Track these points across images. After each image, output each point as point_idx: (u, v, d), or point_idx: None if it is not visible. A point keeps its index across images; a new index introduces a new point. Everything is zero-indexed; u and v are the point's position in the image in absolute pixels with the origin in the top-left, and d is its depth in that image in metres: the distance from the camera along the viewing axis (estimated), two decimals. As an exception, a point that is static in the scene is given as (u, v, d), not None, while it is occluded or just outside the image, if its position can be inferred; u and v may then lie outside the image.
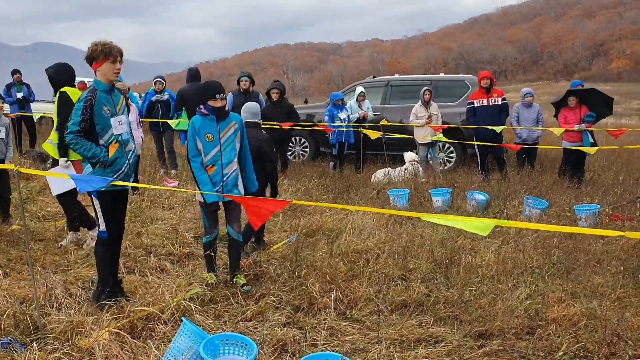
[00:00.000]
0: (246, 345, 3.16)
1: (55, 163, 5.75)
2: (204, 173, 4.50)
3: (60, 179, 5.18)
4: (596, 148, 8.73)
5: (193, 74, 10.38)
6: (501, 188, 8.10)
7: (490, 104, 9.53)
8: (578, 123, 9.13)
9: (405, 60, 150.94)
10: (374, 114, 11.26)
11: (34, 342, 3.44)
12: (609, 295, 4.46)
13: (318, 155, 12.20)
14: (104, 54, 3.96)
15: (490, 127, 9.29)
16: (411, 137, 10.33)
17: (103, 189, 3.95)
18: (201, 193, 4.45)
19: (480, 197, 7.56)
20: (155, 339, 3.61)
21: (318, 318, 4.02)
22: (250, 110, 5.49)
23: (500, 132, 9.48)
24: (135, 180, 8.27)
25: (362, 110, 10.84)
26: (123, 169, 4.12)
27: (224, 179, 4.56)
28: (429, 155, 10.50)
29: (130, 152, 4.21)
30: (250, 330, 3.78)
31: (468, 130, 10.06)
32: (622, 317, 3.98)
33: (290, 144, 12.13)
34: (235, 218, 4.72)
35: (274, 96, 9.94)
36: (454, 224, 2.63)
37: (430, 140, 10.15)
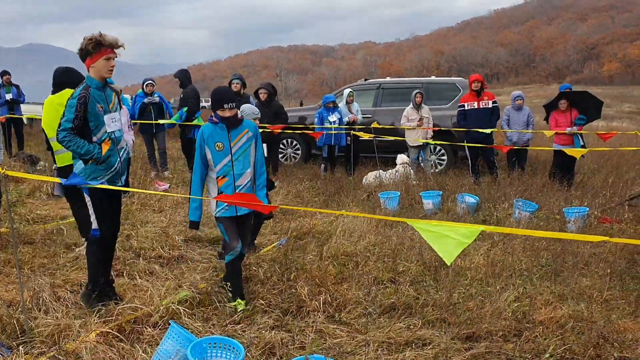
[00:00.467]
0: (233, 348, 3.16)
1: (61, 170, 5.50)
2: (200, 189, 4.27)
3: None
4: (583, 150, 8.79)
5: (188, 76, 10.41)
6: (491, 191, 8.14)
7: (481, 106, 9.58)
8: (569, 126, 9.19)
9: (398, 63, 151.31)
10: (363, 117, 11.27)
11: (21, 346, 3.43)
12: (596, 297, 4.49)
13: (310, 158, 12.21)
14: (99, 49, 3.87)
15: (480, 130, 9.34)
16: (403, 139, 10.36)
17: (97, 184, 3.96)
18: (215, 201, 4.17)
19: (471, 199, 7.58)
20: (143, 342, 3.60)
21: (306, 321, 4.02)
22: (249, 110, 5.60)
23: (491, 134, 9.54)
24: (127, 183, 8.25)
25: (352, 113, 10.85)
26: (115, 166, 4.09)
27: (236, 192, 4.22)
28: (420, 158, 10.53)
29: (123, 150, 4.18)
30: (239, 334, 3.78)
31: (459, 132, 10.10)
32: (608, 320, 4.01)
33: (282, 146, 12.14)
34: (246, 234, 4.46)
35: (262, 96, 9.98)
36: (440, 231, 2.63)
37: (421, 143, 10.19)
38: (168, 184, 8.97)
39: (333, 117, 10.42)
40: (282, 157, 12.13)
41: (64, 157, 5.41)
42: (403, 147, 10.52)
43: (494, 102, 9.61)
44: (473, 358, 3.53)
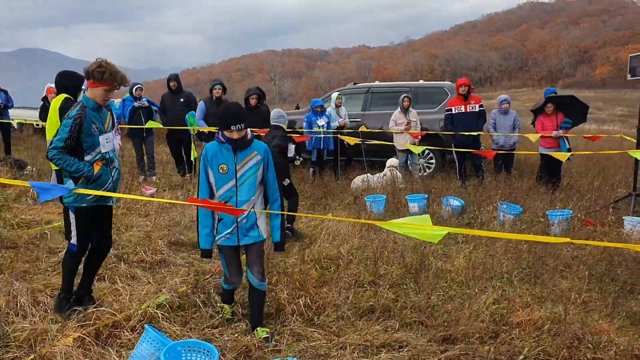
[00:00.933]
0: (208, 351, 3.18)
1: (58, 173, 5.55)
2: (207, 214, 3.86)
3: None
4: (568, 154, 8.86)
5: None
6: (477, 194, 8.18)
7: (468, 110, 9.64)
8: (555, 129, 9.25)
9: (392, 67, 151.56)
10: (351, 121, 11.31)
11: (-4, 351, 3.43)
12: (574, 299, 4.52)
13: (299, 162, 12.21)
14: (103, 80, 3.88)
15: (467, 133, 9.39)
16: (391, 143, 10.40)
17: (84, 205, 3.97)
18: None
19: (456, 203, 7.62)
20: (121, 346, 3.61)
21: (285, 324, 4.03)
22: (276, 114, 6.74)
23: (478, 138, 9.59)
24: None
25: (340, 116, 10.89)
26: (107, 185, 4.08)
27: (239, 220, 3.82)
28: (408, 162, 10.57)
29: (115, 169, 4.18)
30: (216, 337, 3.79)
31: (446, 136, 10.15)
32: (584, 321, 4.04)
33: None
34: (256, 262, 3.94)
35: (252, 102, 9.99)
36: (408, 232, 2.67)
37: (408, 148, 10.22)
38: (155, 189, 8.97)
39: (321, 121, 10.45)
40: (272, 161, 12.13)
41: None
42: (392, 151, 10.54)
43: (480, 106, 9.67)
44: (448, 360, 3.56)
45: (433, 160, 11.26)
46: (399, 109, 10.36)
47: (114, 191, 4.20)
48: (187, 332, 3.87)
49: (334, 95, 11.10)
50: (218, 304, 4.28)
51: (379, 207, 7.76)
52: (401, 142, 10.22)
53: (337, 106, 10.95)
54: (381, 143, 10.45)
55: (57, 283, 4.69)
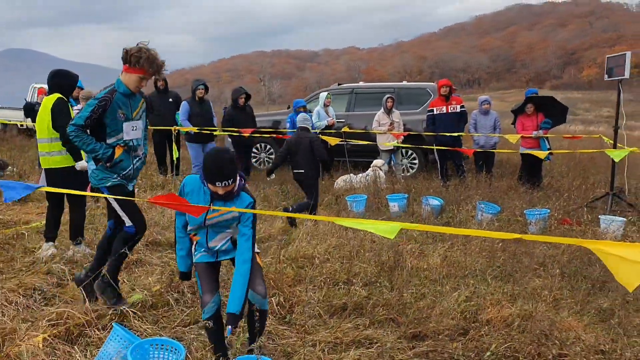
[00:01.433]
0: (175, 349, 3.18)
1: (51, 173, 5.55)
2: (184, 237, 3.50)
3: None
4: (546, 152, 8.97)
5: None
6: (457, 193, 8.24)
7: (449, 111, 9.71)
8: (535, 129, 9.35)
9: (381, 68, 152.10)
10: (336, 121, 11.35)
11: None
12: (545, 297, 4.57)
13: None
14: (139, 65, 3.78)
15: (448, 134, 9.46)
16: (374, 143, 10.45)
17: (110, 184, 3.96)
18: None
19: (435, 202, 7.67)
20: (90, 344, 3.61)
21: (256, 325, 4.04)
22: (303, 117, 7.54)
23: (459, 138, 9.67)
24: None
25: (329, 116, 10.94)
26: (127, 171, 4.07)
27: (210, 246, 3.43)
28: (391, 162, 10.62)
29: (137, 158, 4.15)
30: (186, 336, 3.80)
31: (429, 136, 10.22)
32: (553, 319, 4.09)
33: (256, 151, 12.16)
34: (256, 275, 3.35)
35: (241, 101, 10.03)
36: (364, 227, 2.71)
37: (392, 147, 10.27)
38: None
39: (305, 122, 10.46)
40: (256, 162, 12.16)
41: (47, 160, 5.51)
42: (377, 152, 10.58)
43: (461, 107, 9.74)
44: (416, 357, 3.59)
45: (416, 161, 11.32)
46: (382, 110, 10.41)
47: (134, 178, 4.22)
48: (159, 330, 3.87)
49: (323, 94, 11.13)
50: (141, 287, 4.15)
51: (360, 206, 7.80)
52: (384, 142, 10.26)
53: (326, 105, 10.99)
54: (364, 143, 10.50)
55: (30, 282, 4.68)
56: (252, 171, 10.88)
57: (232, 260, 3.46)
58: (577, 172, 10.72)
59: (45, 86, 5.87)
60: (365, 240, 5.94)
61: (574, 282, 5.03)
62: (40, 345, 3.48)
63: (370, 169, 9.97)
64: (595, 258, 5.54)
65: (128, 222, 4.08)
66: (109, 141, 3.93)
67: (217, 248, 3.42)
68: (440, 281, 4.88)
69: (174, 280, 4.74)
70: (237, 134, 9.71)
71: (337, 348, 3.67)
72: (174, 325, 3.96)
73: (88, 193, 4.95)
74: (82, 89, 9.59)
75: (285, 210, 7.25)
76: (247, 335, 3.50)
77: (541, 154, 8.91)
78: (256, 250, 3.41)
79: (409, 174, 11.03)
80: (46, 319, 3.89)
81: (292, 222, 6.87)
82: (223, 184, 3.14)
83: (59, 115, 5.38)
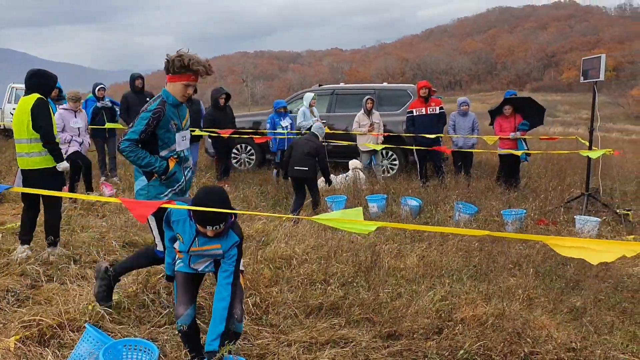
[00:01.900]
0: (148, 349, 3.17)
1: (30, 174, 5.48)
2: (172, 248, 3.44)
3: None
4: (523, 151, 9.08)
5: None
6: (435, 194, 8.30)
7: (429, 112, 9.79)
8: (512, 131, 9.46)
9: (364, 70, 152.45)
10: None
11: None
12: (519, 296, 4.63)
13: (264, 163, 12.24)
14: (182, 72, 3.64)
15: (427, 135, 9.54)
16: (353, 143, 10.49)
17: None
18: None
19: (414, 202, 7.72)
20: (63, 346, 3.58)
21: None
22: (318, 125, 7.97)
23: (438, 139, 9.75)
24: (73, 189, 8.17)
25: (314, 116, 10.96)
26: (179, 184, 3.95)
27: (195, 271, 3.38)
28: (372, 163, 10.67)
29: (188, 169, 4.03)
30: (161, 337, 3.78)
31: (409, 138, 10.29)
32: (526, 317, 4.15)
33: (236, 152, 12.14)
34: (235, 300, 3.24)
35: (222, 101, 10.00)
36: (339, 225, 2.73)
37: (372, 148, 10.32)
38: (114, 190, 8.88)
39: (285, 122, 10.48)
40: (237, 163, 12.13)
41: (26, 161, 5.47)
42: (357, 152, 10.63)
43: (440, 108, 9.84)
44: (390, 356, 3.62)
45: (396, 162, 11.38)
46: (362, 111, 10.45)
47: (186, 191, 4.05)
48: (133, 331, 3.85)
49: (309, 95, 11.15)
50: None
51: (339, 207, 7.82)
52: (364, 143, 10.31)
53: (312, 106, 11.01)
54: (344, 144, 10.54)
55: (3, 284, 4.63)
56: (232, 172, 10.85)
57: (215, 273, 3.40)
58: (554, 173, 10.87)
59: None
60: (343, 240, 5.96)
61: (548, 282, 5.11)
62: (12, 348, 3.44)
63: (350, 170, 10.01)
64: (570, 258, 5.66)
65: (160, 247, 3.93)
66: (161, 154, 3.80)
67: (200, 270, 3.38)
68: (417, 281, 4.92)
69: (150, 281, 4.71)
70: (216, 134, 9.68)
71: (312, 348, 3.68)
72: (149, 326, 3.94)
73: (63, 193, 4.89)
74: (60, 89, 9.51)
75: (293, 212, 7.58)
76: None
77: (518, 152, 9.04)
78: (241, 267, 3.37)
79: (389, 174, 11.09)
80: (19, 320, 3.85)
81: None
82: (214, 228, 3.02)
83: (40, 116, 5.34)
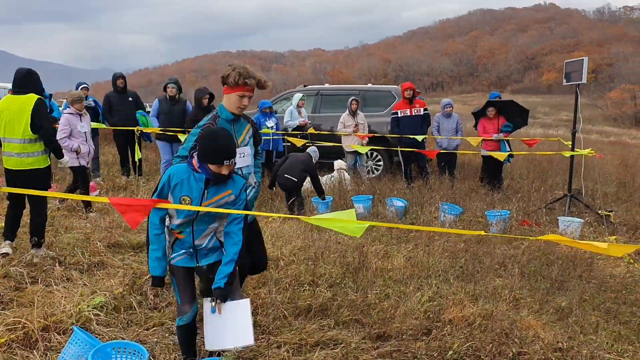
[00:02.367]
0: (138, 352, 3.15)
1: (18, 174, 5.44)
2: (161, 234, 3.20)
3: None
4: (506, 153, 9.18)
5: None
6: (420, 195, 8.35)
7: (413, 114, 9.84)
8: (496, 132, 9.54)
9: (347, 71, 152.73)
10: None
11: None
12: (506, 296, 4.68)
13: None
14: (235, 83, 3.46)
15: (412, 136, 9.59)
16: (339, 144, 10.50)
17: None
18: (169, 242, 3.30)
19: (399, 203, 7.76)
20: (50, 349, 3.54)
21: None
22: (313, 149, 8.64)
23: (423, 140, 9.81)
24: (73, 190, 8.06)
25: (302, 116, 10.95)
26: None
27: (196, 249, 3.29)
28: (357, 164, 10.69)
29: (250, 187, 3.74)
30: (149, 339, 3.76)
31: (393, 139, 10.33)
32: (513, 318, 4.19)
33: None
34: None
35: (205, 101, 9.94)
36: (331, 226, 2.73)
37: (356, 149, 10.34)
38: (98, 190, 8.79)
39: (270, 123, 10.46)
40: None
41: (16, 161, 5.43)
42: (342, 153, 10.64)
43: (425, 110, 9.90)
44: (380, 357, 3.63)
45: (381, 163, 11.42)
46: (347, 112, 10.47)
47: (250, 209, 3.66)
48: (121, 333, 3.81)
49: (298, 95, 11.12)
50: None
51: (325, 208, 7.82)
52: (349, 144, 10.33)
53: (299, 107, 11.00)
54: (329, 145, 10.54)
55: (-13, 286, 4.55)
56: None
57: (210, 267, 3.35)
58: (536, 175, 10.99)
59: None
60: (330, 241, 5.97)
61: (533, 282, 5.16)
62: (-4, 351, 3.39)
63: (335, 171, 10.02)
64: (554, 258, 5.73)
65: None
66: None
67: (203, 246, 3.27)
68: (404, 281, 4.94)
69: (136, 282, 4.68)
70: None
71: (302, 349, 3.68)
72: (137, 328, 3.90)
73: (49, 193, 4.83)
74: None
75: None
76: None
77: (501, 155, 9.12)
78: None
79: (373, 175, 11.13)
80: (3, 323, 3.79)
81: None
82: (231, 162, 3.06)
83: (42, 117, 5.37)
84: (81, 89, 10.12)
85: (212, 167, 3.06)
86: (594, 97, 71.76)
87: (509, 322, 4.06)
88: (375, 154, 11.34)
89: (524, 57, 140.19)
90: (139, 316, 4.10)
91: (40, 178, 5.51)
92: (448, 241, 6.05)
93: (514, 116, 9.75)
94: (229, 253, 3.20)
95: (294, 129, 10.84)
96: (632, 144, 26.96)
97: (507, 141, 9.65)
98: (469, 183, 9.37)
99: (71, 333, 3.68)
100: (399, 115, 9.93)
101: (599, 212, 7.86)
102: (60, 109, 10.67)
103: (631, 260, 5.98)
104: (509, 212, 7.29)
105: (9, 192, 5.62)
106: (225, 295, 3.16)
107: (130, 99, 10.23)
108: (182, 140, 9.92)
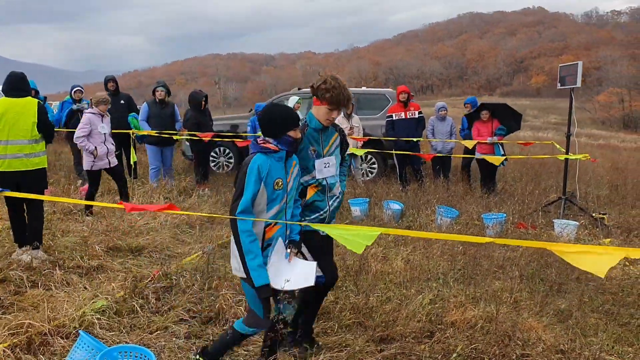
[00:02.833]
0: (144, 356, 3.14)
1: (23, 175, 5.46)
2: (255, 240, 3.05)
3: None
4: (502, 158, 9.23)
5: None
6: (416, 198, 8.38)
7: (408, 117, 9.89)
8: (490, 135, 9.59)
9: (337, 74, 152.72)
10: None
11: None
12: (506, 299, 4.71)
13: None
14: (325, 99, 3.44)
15: (407, 139, 9.63)
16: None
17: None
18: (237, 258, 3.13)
19: (396, 206, 7.78)
20: (54, 354, 3.52)
21: (225, 328, 4.02)
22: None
23: (417, 143, 9.85)
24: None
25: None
26: (321, 213, 3.57)
27: (288, 243, 3.30)
28: (351, 166, 10.72)
29: (334, 197, 3.65)
30: (154, 342, 3.75)
31: (388, 141, 10.37)
32: (515, 320, 4.22)
33: (215, 155, 12.06)
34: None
35: (203, 104, 9.95)
36: (340, 235, 2.73)
37: (351, 152, 10.37)
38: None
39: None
40: (215, 166, 12.05)
41: (25, 162, 5.47)
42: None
43: (419, 113, 9.95)
44: (385, 359, 3.64)
45: (375, 165, 11.46)
46: (342, 115, 10.49)
47: (330, 220, 3.66)
48: (125, 337, 3.80)
49: (294, 98, 11.15)
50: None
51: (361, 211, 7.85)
52: (344, 147, 10.35)
53: (296, 109, 11.01)
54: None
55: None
56: (211, 175, 10.77)
57: None
58: (530, 178, 11.07)
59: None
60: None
61: (532, 284, 5.20)
62: (0, 356, 3.37)
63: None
64: (552, 261, 5.77)
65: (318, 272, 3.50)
66: (300, 180, 3.49)
67: (292, 234, 3.33)
68: (405, 285, 4.96)
69: (137, 286, 4.66)
70: (197, 138, 9.59)
71: (306, 352, 3.68)
72: (140, 332, 3.89)
73: (49, 197, 4.82)
74: (37, 90, 9.36)
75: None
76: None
77: (496, 159, 9.16)
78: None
79: (368, 178, 11.16)
80: (5, 327, 3.77)
81: None
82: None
83: (45, 117, 5.59)
84: (75, 92, 10.09)
85: (291, 133, 3.18)
86: (582, 101, 72.31)
87: (511, 325, 4.09)
88: (369, 156, 11.37)
89: (513, 60, 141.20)
90: (141, 320, 4.09)
91: (43, 177, 5.71)
92: (446, 244, 6.08)
93: (508, 120, 9.82)
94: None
95: None
96: (622, 147, 27.21)
97: (501, 144, 9.71)
98: (464, 186, 9.42)
99: (74, 337, 3.68)
100: (394, 118, 9.97)
101: (593, 214, 7.93)
102: (54, 112, 10.64)
103: (627, 263, 6.03)
104: (505, 215, 7.33)
105: (5, 196, 5.60)
106: (299, 245, 3.36)
107: (122, 101, 10.19)
108: (175, 143, 9.99)
